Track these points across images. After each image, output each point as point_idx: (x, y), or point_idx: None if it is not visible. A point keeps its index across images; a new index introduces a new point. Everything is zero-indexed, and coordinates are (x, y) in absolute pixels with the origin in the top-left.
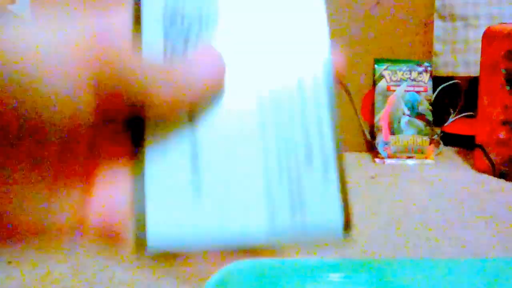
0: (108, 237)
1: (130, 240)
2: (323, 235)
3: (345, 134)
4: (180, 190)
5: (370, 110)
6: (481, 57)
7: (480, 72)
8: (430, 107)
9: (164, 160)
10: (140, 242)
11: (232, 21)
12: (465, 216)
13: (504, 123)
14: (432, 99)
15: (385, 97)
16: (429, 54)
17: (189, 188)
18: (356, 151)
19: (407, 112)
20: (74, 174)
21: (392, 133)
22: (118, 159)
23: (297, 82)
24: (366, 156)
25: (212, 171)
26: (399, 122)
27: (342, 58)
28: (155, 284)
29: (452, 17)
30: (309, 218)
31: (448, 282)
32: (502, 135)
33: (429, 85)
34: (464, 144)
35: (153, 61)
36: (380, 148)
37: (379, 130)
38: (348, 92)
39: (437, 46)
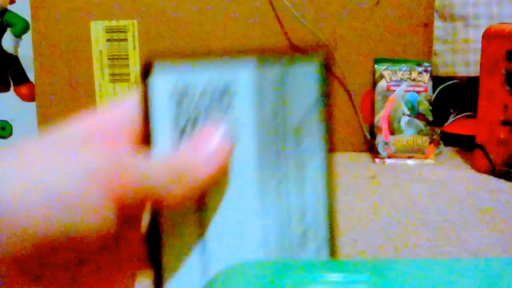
0: None
1: None
2: None
3: (345, 134)
4: None
5: (370, 110)
6: (481, 57)
7: (480, 72)
8: (430, 107)
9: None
10: None
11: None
12: (465, 216)
13: (504, 123)
14: (432, 99)
15: (385, 97)
16: (429, 54)
17: None
18: (356, 151)
19: (407, 112)
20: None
21: (392, 133)
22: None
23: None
24: (366, 156)
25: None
26: (399, 122)
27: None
28: None
29: (452, 17)
30: None
31: (448, 282)
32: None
33: (429, 85)
34: (464, 144)
35: (162, 160)
36: (380, 148)
37: (379, 130)
38: (348, 92)
39: (437, 46)
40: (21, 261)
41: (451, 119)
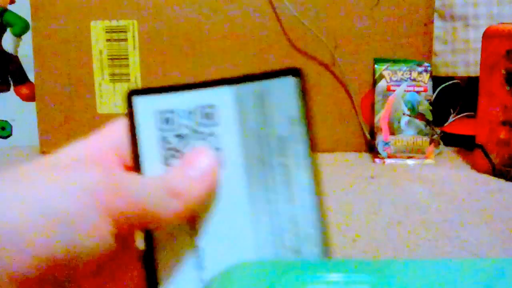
0: None
1: None
2: None
3: (345, 134)
4: None
5: (370, 110)
6: (481, 57)
7: (480, 72)
8: (430, 107)
9: None
10: None
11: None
12: (465, 216)
13: (504, 123)
14: (432, 99)
15: (385, 97)
16: (429, 54)
17: None
18: (356, 151)
19: (407, 112)
20: None
21: (392, 133)
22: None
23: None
24: (366, 156)
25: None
26: (399, 122)
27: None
28: None
29: (452, 17)
30: None
31: (448, 282)
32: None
33: (429, 85)
34: (464, 144)
35: (156, 178)
36: (380, 148)
37: (379, 130)
38: (348, 92)
39: (437, 46)
40: (22, 281)
41: (451, 119)
